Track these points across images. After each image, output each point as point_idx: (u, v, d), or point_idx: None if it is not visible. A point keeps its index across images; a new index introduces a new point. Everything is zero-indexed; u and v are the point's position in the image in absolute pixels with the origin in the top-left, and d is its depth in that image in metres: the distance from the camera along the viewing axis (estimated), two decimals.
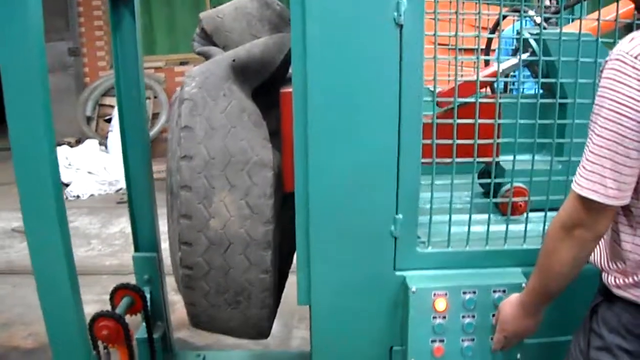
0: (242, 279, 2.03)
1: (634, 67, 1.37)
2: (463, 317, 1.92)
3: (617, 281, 1.60)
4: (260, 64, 2.11)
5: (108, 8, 2.75)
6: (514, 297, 1.82)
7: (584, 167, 1.47)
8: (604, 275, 1.65)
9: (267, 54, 2.11)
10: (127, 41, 2.85)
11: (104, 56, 9.23)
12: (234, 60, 2.06)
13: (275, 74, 2.18)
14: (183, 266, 2.03)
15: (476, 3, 1.89)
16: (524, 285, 1.89)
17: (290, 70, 2.07)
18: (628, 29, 1.81)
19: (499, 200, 2.12)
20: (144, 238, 3.15)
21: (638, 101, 1.37)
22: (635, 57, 1.38)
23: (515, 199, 2.06)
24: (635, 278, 1.56)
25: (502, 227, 2.01)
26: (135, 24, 2.81)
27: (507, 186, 2.08)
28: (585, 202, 1.47)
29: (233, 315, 2.12)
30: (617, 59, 1.41)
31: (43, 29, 1.92)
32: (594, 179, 1.44)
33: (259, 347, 3.92)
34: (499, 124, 1.95)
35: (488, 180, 2.02)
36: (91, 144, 7.91)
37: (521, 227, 2.02)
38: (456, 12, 1.90)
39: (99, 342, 2.61)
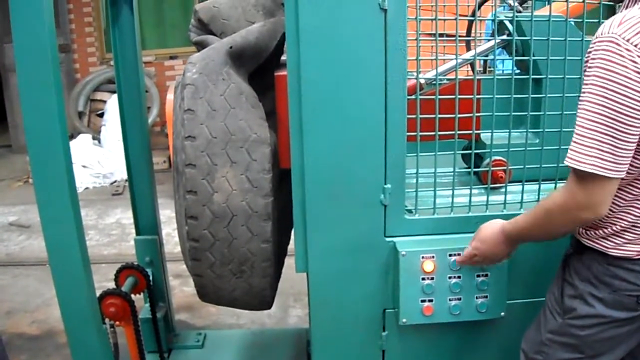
0: (245, 249, 2.16)
1: (627, 49, 1.44)
2: (450, 278, 2.05)
3: (589, 233, 1.71)
4: (255, 49, 2.23)
5: (100, 3, 2.85)
6: (498, 221, 1.89)
7: (579, 143, 1.52)
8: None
9: (262, 41, 2.23)
10: (126, 34, 2.96)
11: (95, 52, 9.22)
12: (231, 47, 2.18)
13: (269, 58, 2.30)
14: (190, 239, 2.15)
15: None
16: None
17: (283, 56, 2.21)
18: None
19: (479, 170, 2.26)
20: (145, 222, 3.26)
21: (633, 80, 1.45)
22: (628, 41, 1.45)
23: (494, 169, 2.21)
24: (605, 230, 1.68)
25: (484, 198, 2.15)
26: (133, 18, 2.92)
27: (492, 158, 2.22)
28: (585, 177, 1.53)
29: (237, 284, 2.24)
30: (610, 41, 1.46)
31: (55, 30, 2.02)
32: (592, 153, 1.50)
33: (256, 326, 4.07)
34: (478, 102, 2.08)
35: (468, 152, 2.16)
36: (84, 138, 7.94)
37: (502, 197, 2.15)
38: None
39: (106, 320, 2.72)
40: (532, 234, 1.77)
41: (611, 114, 1.48)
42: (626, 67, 1.45)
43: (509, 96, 2.05)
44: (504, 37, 2.40)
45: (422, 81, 2.20)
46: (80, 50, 9.23)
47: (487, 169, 2.21)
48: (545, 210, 1.67)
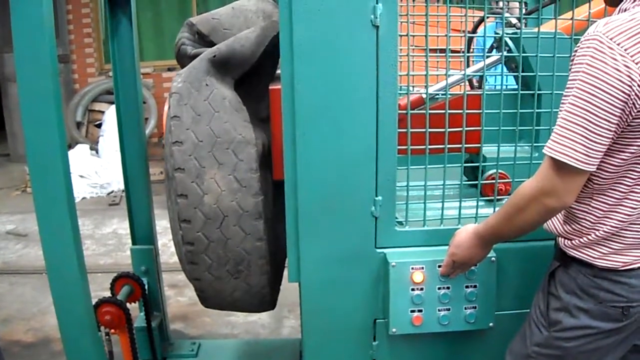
0: (240, 249, 2.20)
1: (610, 47, 1.50)
2: (439, 288, 2.09)
3: (573, 242, 1.75)
4: (241, 57, 2.27)
5: (100, 14, 2.90)
6: (471, 226, 1.95)
7: (557, 133, 1.57)
8: (560, 240, 1.80)
9: (247, 48, 2.27)
10: (124, 46, 3.01)
11: (93, 63, 9.24)
12: (214, 56, 2.23)
13: (257, 64, 2.33)
14: (185, 243, 2.19)
15: (447, 6, 2.05)
16: (493, 259, 2.09)
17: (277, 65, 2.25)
18: None
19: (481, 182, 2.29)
20: (141, 231, 3.30)
21: (612, 77, 1.50)
22: (611, 39, 1.51)
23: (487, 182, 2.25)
24: (589, 237, 1.71)
25: (473, 211, 2.19)
26: (132, 30, 2.97)
27: (490, 172, 2.27)
28: (557, 165, 1.58)
29: (237, 285, 2.28)
30: (595, 39, 1.52)
31: (55, 42, 2.08)
32: (565, 143, 1.55)
33: (250, 336, 4.10)
34: (474, 116, 2.12)
35: (458, 165, 2.19)
36: (82, 148, 7.97)
37: (490, 210, 2.16)
38: (426, 15, 2.08)
39: (101, 328, 2.75)
40: (503, 231, 1.81)
41: (588, 107, 1.52)
42: (606, 63, 1.50)
43: (498, 111, 2.10)
44: (497, 53, 2.44)
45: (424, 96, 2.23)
46: (79, 61, 9.25)
47: (489, 181, 2.25)
48: (513, 204, 1.72)
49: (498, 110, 2.10)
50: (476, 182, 2.28)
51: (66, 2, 8.89)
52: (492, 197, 2.22)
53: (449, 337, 2.19)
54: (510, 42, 2.39)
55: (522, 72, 2.19)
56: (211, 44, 2.40)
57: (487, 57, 2.26)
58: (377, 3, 1.92)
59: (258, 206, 2.17)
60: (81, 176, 7.46)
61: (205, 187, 2.14)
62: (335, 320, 2.19)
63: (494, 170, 2.25)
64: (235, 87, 2.32)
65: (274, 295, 2.44)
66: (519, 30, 2.32)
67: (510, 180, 2.24)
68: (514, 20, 2.52)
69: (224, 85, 2.25)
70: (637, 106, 1.52)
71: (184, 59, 2.43)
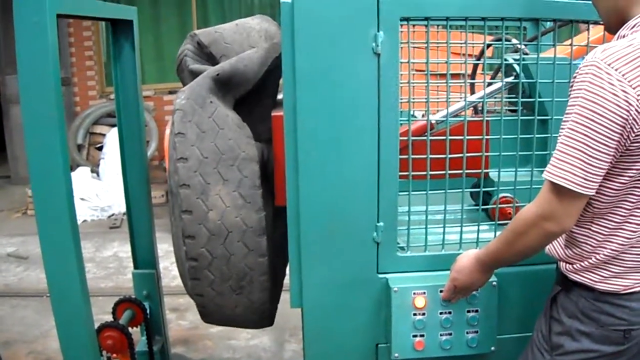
0: (243, 265, 2.21)
1: (607, 73, 1.53)
2: (441, 313, 2.10)
3: (574, 266, 1.76)
4: (244, 77, 2.30)
5: (101, 38, 2.94)
6: (472, 251, 1.97)
7: (556, 158, 1.60)
8: (561, 264, 1.82)
9: (250, 68, 2.30)
10: (127, 69, 3.05)
11: (95, 85, 9.27)
12: (218, 74, 2.26)
13: (259, 84, 2.36)
14: (188, 258, 2.20)
15: (447, 31, 2.09)
16: (494, 284, 2.10)
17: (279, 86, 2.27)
18: None
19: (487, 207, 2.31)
20: (143, 255, 3.32)
21: (610, 102, 1.52)
22: (609, 65, 1.54)
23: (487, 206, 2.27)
24: (590, 261, 1.73)
25: (474, 235, 2.21)
26: (135, 53, 3.01)
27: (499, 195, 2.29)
28: (556, 190, 1.60)
29: (238, 301, 2.28)
30: (593, 65, 1.55)
31: (59, 66, 2.11)
32: (564, 167, 1.57)
33: None
34: (479, 142, 2.14)
35: (458, 191, 2.21)
36: (83, 171, 7.97)
37: (491, 234, 2.17)
38: (426, 42, 2.11)
39: (103, 353, 2.76)
40: (503, 257, 1.83)
41: (586, 131, 1.55)
42: (604, 88, 1.53)
43: (498, 137, 2.12)
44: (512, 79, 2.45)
45: (433, 121, 2.26)
46: (81, 84, 9.27)
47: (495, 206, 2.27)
48: (513, 229, 1.74)
49: (499, 136, 2.12)
50: (485, 206, 2.30)
51: (67, 25, 8.93)
52: (502, 221, 2.22)
53: None
54: (517, 67, 2.42)
55: (526, 96, 2.21)
56: (211, 56, 2.43)
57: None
58: (378, 31, 1.95)
59: (261, 222, 2.19)
60: (82, 199, 7.46)
61: (210, 203, 2.16)
62: (338, 345, 2.20)
63: (502, 195, 2.28)
64: (237, 107, 2.35)
65: (273, 311, 2.45)
66: (525, 56, 2.36)
67: (518, 204, 2.24)
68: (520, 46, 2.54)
69: (225, 104, 2.28)
70: (635, 130, 1.55)
71: (183, 72, 2.45)
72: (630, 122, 1.54)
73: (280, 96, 2.39)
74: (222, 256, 2.20)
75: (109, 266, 5.90)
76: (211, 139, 2.18)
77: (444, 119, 2.20)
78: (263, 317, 2.42)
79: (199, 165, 2.16)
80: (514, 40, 2.56)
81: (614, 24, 1.72)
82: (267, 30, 2.50)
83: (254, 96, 2.39)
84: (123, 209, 7.34)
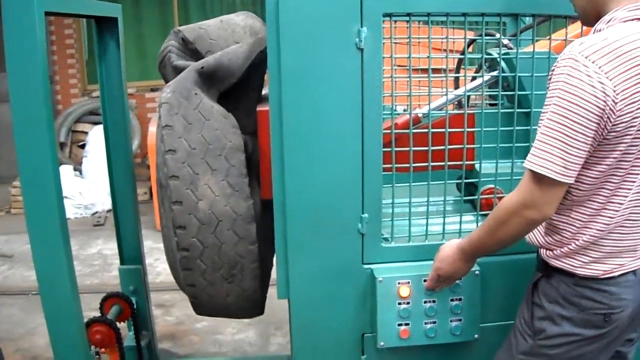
0: (233, 253, 2.24)
1: (585, 65, 1.57)
2: (425, 302, 2.15)
3: (555, 252, 1.81)
4: (228, 71, 2.33)
5: (83, 36, 2.94)
6: (455, 241, 2.03)
7: (536, 147, 1.65)
8: (542, 251, 1.87)
9: (235, 62, 2.33)
10: (112, 66, 3.08)
11: (77, 83, 9.20)
12: (202, 68, 2.29)
13: (244, 78, 2.38)
14: (180, 249, 2.23)
15: (429, 27, 2.11)
16: (477, 273, 2.15)
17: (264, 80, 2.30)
18: None
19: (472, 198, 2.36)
20: (129, 251, 3.33)
21: (587, 93, 1.57)
22: (586, 57, 1.59)
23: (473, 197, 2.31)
24: (570, 247, 1.78)
25: (457, 226, 2.25)
26: (120, 51, 3.03)
27: (485, 186, 2.33)
28: (536, 178, 1.65)
29: (230, 289, 2.31)
30: (571, 58, 1.60)
31: (47, 68, 2.13)
32: (544, 156, 1.63)
33: (237, 354, 4.12)
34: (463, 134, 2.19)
35: (441, 182, 2.25)
36: (65, 169, 7.92)
37: (474, 225, 2.22)
38: (408, 37, 2.15)
39: (92, 347, 2.76)
40: (486, 245, 1.88)
41: (565, 121, 1.60)
42: (581, 80, 1.58)
43: (479, 129, 2.17)
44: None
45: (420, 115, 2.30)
46: (62, 82, 9.19)
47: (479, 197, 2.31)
48: (495, 218, 1.79)
49: (479, 129, 2.17)
50: (467, 197, 2.34)
51: (49, 24, 8.86)
52: (484, 212, 2.26)
53: (435, 349, 2.23)
54: (503, 62, 2.46)
55: (511, 90, 2.26)
56: (195, 52, 2.45)
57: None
58: (361, 27, 1.99)
59: (250, 210, 2.22)
60: (65, 197, 7.37)
61: (199, 193, 2.18)
62: (325, 335, 2.24)
63: (488, 186, 2.32)
64: (223, 100, 2.37)
65: (263, 299, 2.48)
66: (510, 51, 2.40)
67: (500, 195, 2.29)
68: (505, 41, 2.58)
69: (210, 97, 2.30)
70: (612, 120, 1.60)
71: (166, 68, 2.46)
72: (607, 112, 1.58)
73: (265, 91, 2.43)
74: (213, 245, 2.22)
75: (94, 263, 5.89)
76: (198, 130, 2.21)
77: (427, 112, 2.24)
78: (255, 305, 2.45)
79: (187, 156, 2.18)
80: (498, 35, 2.60)
81: (591, 18, 1.77)
82: (252, 27, 2.53)
83: (239, 90, 2.41)
84: (107, 206, 7.36)
